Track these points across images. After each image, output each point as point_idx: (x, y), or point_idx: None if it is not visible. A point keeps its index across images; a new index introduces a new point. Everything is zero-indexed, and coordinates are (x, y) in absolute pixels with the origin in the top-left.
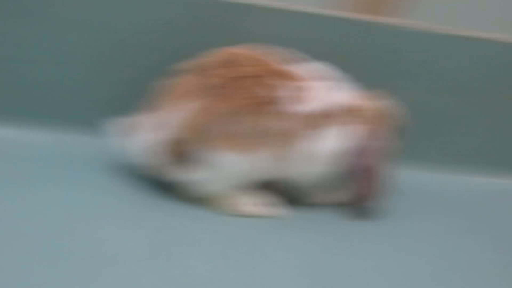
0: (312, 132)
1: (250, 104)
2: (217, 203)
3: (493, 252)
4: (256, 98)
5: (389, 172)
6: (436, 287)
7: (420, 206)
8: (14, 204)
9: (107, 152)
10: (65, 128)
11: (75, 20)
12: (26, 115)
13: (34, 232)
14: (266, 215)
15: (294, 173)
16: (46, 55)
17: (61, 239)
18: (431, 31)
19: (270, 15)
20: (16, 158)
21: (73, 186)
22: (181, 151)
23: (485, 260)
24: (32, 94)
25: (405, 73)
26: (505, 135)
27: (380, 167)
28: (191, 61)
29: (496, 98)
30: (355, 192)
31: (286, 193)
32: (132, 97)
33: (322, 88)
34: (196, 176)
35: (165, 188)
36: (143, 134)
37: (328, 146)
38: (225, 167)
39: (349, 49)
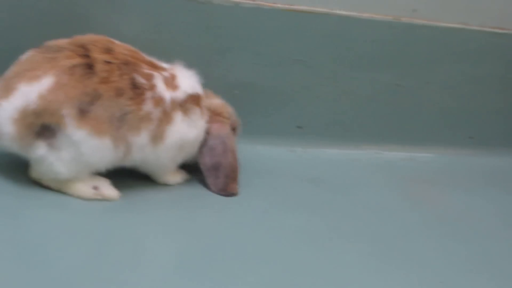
0: (175, 118)
1: (126, 88)
2: (62, 187)
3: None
4: (133, 84)
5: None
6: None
7: (258, 177)
8: None
9: None
10: None
11: None
12: None
13: None
14: (105, 198)
15: (150, 157)
16: None
17: None
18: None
19: None
20: None
21: None
22: (39, 124)
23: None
24: None
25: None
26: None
27: (230, 161)
28: (60, 40)
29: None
30: (213, 185)
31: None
32: None
33: (183, 77)
34: (48, 153)
35: (15, 170)
36: (2, 104)
37: (186, 132)
38: (79, 147)
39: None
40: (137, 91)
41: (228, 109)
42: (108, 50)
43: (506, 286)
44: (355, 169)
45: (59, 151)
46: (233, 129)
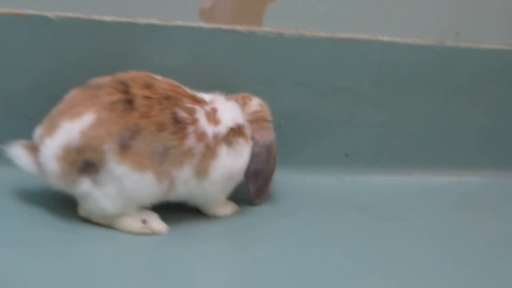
0: (219, 152)
1: (167, 122)
2: (112, 223)
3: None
4: (175, 118)
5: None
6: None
7: (307, 206)
8: None
9: (7, 179)
10: None
11: None
12: None
13: None
14: (153, 232)
15: (197, 192)
16: None
17: None
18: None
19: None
20: None
21: None
22: (81, 160)
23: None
24: None
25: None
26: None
27: (271, 168)
28: (100, 78)
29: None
30: (254, 192)
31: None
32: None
33: (224, 110)
34: (92, 189)
35: (65, 211)
36: (46, 142)
37: (233, 164)
38: (121, 182)
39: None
40: (179, 125)
41: (266, 109)
42: (148, 86)
43: None
44: (404, 195)
45: (103, 187)
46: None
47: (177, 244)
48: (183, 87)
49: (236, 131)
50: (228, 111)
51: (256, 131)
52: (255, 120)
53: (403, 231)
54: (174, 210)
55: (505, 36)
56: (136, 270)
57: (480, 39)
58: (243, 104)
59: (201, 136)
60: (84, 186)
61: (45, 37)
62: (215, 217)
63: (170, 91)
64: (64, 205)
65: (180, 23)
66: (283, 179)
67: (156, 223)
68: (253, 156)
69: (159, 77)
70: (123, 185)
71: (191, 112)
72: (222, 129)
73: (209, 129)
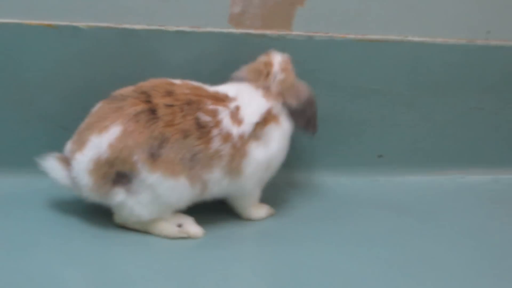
0: (249, 150)
1: (191, 129)
2: (148, 228)
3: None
4: (198, 123)
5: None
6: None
7: (342, 208)
8: None
9: (41, 191)
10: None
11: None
12: None
13: None
14: (189, 236)
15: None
16: None
17: (5, 277)
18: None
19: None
20: None
21: (13, 224)
22: (113, 172)
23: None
24: None
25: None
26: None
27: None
28: (123, 88)
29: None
30: (311, 132)
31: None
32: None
33: (246, 106)
34: (127, 199)
35: (100, 217)
36: (77, 157)
37: (266, 153)
38: (155, 189)
39: None
40: (203, 130)
41: (289, 68)
42: (169, 93)
43: None
44: (439, 194)
45: (137, 195)
46: None
47: (213, 248)
48: (204, 86)
49: (263, 122)
50: (252, 106)
51: (287, 97)
52: (283, 89)
53: (439, 231)
54: (209, 213)
55: None
56: (172, 274)
57: (511, 37)
58: (267, 75)
59: (226, 137)
60: (118, 197)
61: (76, 47)
62: (250, 220)
63: (192, 95)
64: (99, 212)
65: (210, 29)
66: (317, 181)
67: (192, 227)
68: (299, 115)
69: (178, 82)
70: (157, 192)
71: (214, 114)
72: (246, 127)
73: (234, 130)
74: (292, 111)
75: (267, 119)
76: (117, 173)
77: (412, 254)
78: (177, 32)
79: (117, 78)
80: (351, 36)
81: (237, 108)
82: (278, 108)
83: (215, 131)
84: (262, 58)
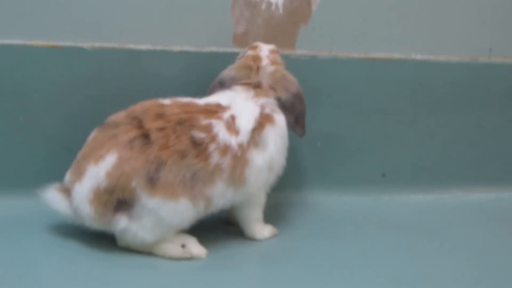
0: (250, 157)
1: (187, 148)
2: (151, 250)
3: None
4: (193, 142)
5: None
6: None
7: (346, 228)
8: None
9: (45, 213)
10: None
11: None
12: None
13: None
14: (193, 256)
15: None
16: None
17: None
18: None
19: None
20: None
21: (17, 246)
22: (114, 199)
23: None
24: None
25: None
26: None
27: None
28: (115, 114)
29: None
30: (300, 131)
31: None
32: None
33: (241, 115)
34: (130, 224)
35: (103, 239)
36: (76, 188)
37: (266, 156)
38: (158, 213)
39: None
40: (200, 147)
41: (278, 59)
42: (160, 115)
43: None
44: (442, 213)
45: (140, 220)
46: None
47: (216, 269)
48: (194, 101)
49: (258, 127)
50: (246, 112)
51: (279, 89)
52: (274, 81)
53: (443, 250)
54: (212, 233)
55: None
56: None
57: None
58: (257, 70)
59: (225, 149)
60: (121, 223)
61: (81, 68)
62: (254, 240)
63: (183, 113)
64: (102, 234)
65: (214, 49)
66: (321, 200)
67: (195, 248)
68: (288, 109)
69: (168, 101)
70: (160, 216)
71: (208, 129)
72: (244, 136)
73: (232, 140)
74: (283, 104)
75: (262, 122)
76: (118, 200)
77: (416, 273)
78: (181, 52)
79: (121, 98)
80: (355, 55)
81: (232, 118)
82: (270, 105)
83: (212, 146)
84: (249, 53)
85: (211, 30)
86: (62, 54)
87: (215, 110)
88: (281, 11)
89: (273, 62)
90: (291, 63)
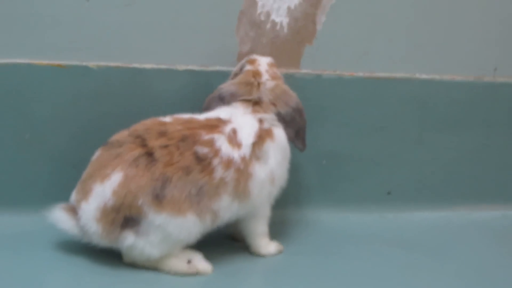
0: (253, 170)
1: (191, 164)
2: (157, 266)
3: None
4: (197, 157)
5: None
6: None
7: (351, 245)
8: None
9: (50, 229)
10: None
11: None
12: None
13: None
14: (199, 272)
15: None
16: None
17: None
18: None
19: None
20: None
21: (22, 262)
22: (121, 217)
23: None
24: None
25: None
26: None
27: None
28: (118, 134)
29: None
30: (301, 145)
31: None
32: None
33: (242, 128)
34: (137, 241)
35: (109, 256)
36: (83, 207)
37: (267, 169)
38: (165, 229)
39: None
40: (204, 162)
41: (277, 74)
42: (162, 133)
43: None
44: (447, 231)
45: (147, 236)
46: None
47: (221, 284)
48: (195, 117)
49: (258, 141)
50: (246, 126)
51: (279, 104)
52: (275, 96)
53: (447, 267)
54: (218, 249)
55: None
56: None
57: None
58: (258, 86)
59: (228, 163)
60: (128, 240)
61: (86, 87)
62: (259, 255)
63: (185, 130)
64: (109, 250)
65: (219, 68)
66: (326, 218)
67: (201, 263)
68: (288, 123)
69: (168, 119)
70: (167, 232)
71: (211, 143)
72: (246, 149)
73: (235, 153)
74: (282, 119)
75: (262, 136)
76: (125, 217)
77: None
78: (186, 70)
79: (127, 116)
80: (359, 74)
81: (234, 131)
82: (269, 120)
83: (215, 161)
84: (248, 68)
85: (216, 49)
86: (67, 73)
87: (216, 125)
88: (286, 30)
89: (273, 77)
90: (296, 82)
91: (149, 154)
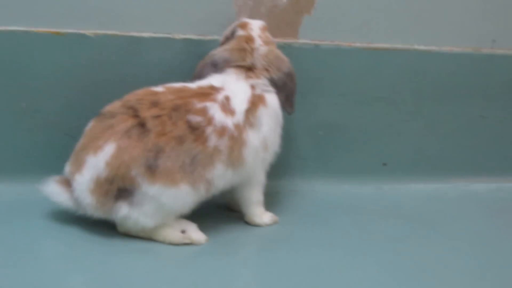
0: (247, 137)
1: (185, 133)
2: (151, 235)
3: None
4: (190, 126)
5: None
6: None
7: (346, 216)
8: None
9: (45, 198)
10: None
11: None
12: None
13: None
14: (193, 242)
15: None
16: None
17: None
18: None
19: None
20: None
21: (17, 230)
22: (114, 188)
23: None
24: None
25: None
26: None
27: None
28: (111, 104)
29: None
30: (289, 108)
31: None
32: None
33: (236, 94)
34: (131, 211)
35: (103, 225)
36: (77, 179)
37: (260, 136)
38: (159, 200)
39: None
40: (197, 131)
41: (270, 39)
42: (155, 103)
43: None
44: (443, 203)
45: (141, 207)
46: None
47: (215, 254)
48: (187, 86)
49: (251, 108)
50: (239, 93)
51: (272, 69)
52: (268, 62)
53: (442, 239)
54: (212, 219)
55: None
56: (176, 281)
57: None
58: (251, 52)
59: (222, 131)
60: (122, 211)
61: (83, 55)
62: (254, 225)
63: (177, 99)
64: (102, 220)
65: (216, 37)
66: (322, 189)
67: (195, 233)
68: (279, 88)
69: (160, 88)
70: (161, 202)
71: (204, 112)
72: (239, 116)
73: (228, 121)
74: (275, 84)
75: (254, 103)
76: (118, 189)
77: (416, 261)
78: (184, 40)
79: (123, 85)
80: (358, 45)
81: (227, 98)
82: (261, 85)
83: (209, 129)
84: (240, 32)
85: (213, 18)
86: (64, 40)
87: (209, 93)
88: (284, 0)
89: (266, 42)
90: (293, 52)
91: (142, 125)
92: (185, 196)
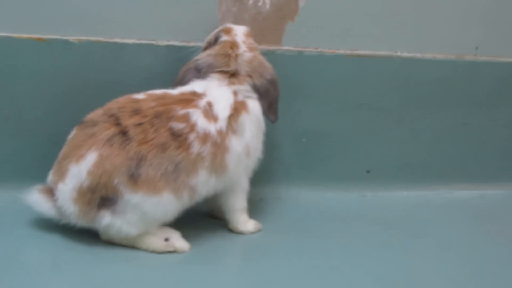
0: (229, 144)
1: (167, 140)
2: (135, 243)
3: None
4: (173, 133)
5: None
6: None
7: (330, 223)
8: None
9: (28, 206)
10: None
11: None
12: None
13: None
14: (176, 250)
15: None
16: None
17: None
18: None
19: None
20: None
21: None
22: (97, 197)
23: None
24: None
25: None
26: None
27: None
28: (93, 113)
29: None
30: (273, 116)
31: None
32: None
33: (218, 100)
34: (114, 220)
35: (86, 233)
36: (60, 188)
37: (242, 143)
38: (141, 208)
39: None
40: (180, 138)
41: (254, 45)
42: (136, 111)
43: None
44: (426, 210)
45: (124, 215)
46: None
47: (199, 262)
48: (169, 92)
49: (234, 114)
50: (222, 99)
51: (255, 76)
52: (252, 68)
53: (426, 246)
54: (195, 227)
55: None
56: None
57: (499, 53)
58: (235, 57)
59: (205, 138)
60: (105, 220)
61: (67, 61)
62: (238, 233)
63: (159, 106)
64: (86, 228)
65: (200, 43)
66: (305, 196)
67: (179, 241)
68: (262, 95)
69: (141, 96)
70: (143, 210)
71: (186, 118)
72: (222, 123)
73: (211, 127)
74: (257, 90)
75: (237, 109)
76: (101, 197)
77: (399, 269)
78: (167, 46)
79: (107, 91)
80: (341, 52)
81: (209, 104)
82: (244, 92)
83: (192, 136)
84: (224, 38)
85: (197, 25)
86: (48, 47)
87: (191, 99)
88: (268, 6)
89: (250, 49)
90: (277, 59)
91: (124, 133)
92: (168, 204)
